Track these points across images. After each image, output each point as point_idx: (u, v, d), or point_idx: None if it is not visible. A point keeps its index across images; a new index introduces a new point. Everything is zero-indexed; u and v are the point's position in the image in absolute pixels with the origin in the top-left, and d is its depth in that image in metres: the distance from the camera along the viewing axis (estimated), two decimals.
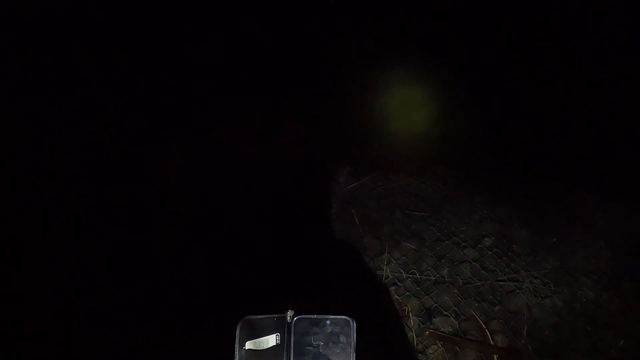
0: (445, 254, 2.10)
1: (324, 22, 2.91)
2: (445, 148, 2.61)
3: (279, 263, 1.94)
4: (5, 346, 1.61)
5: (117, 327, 1.69)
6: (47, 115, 2.26)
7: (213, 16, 2.84)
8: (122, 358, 1.63)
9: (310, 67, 2.86)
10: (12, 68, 2.24)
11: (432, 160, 2.57)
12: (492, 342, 1.79)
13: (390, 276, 2.00)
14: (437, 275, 2.01)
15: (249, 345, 0.69)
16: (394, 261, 2.06)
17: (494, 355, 1.76)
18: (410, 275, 2.01)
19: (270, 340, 0.69)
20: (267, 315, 0.71)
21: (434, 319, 1.86)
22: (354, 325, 0.70)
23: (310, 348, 0.69)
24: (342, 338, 0.70)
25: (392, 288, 1.97)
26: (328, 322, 0.70)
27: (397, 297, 1.93)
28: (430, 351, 1.77)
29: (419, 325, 1.84)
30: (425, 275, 2.01)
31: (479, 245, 2.14)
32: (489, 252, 2.10)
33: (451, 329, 1.84)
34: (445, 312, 1.89)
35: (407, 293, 1.95)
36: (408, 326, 1.84)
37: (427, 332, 1.80)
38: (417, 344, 1.79)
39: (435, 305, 1.91)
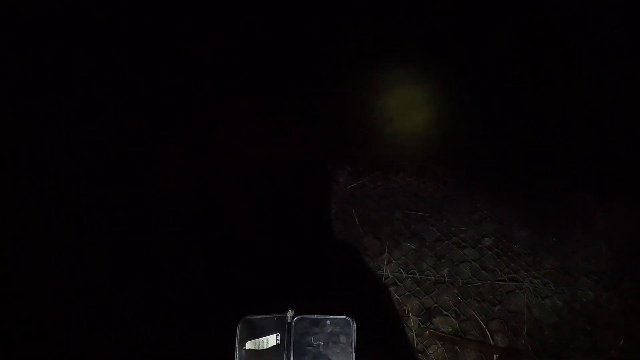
0: (445, 254, 2.10)
1: (324, 22, 2.91)
2: (445, 148, 2.61)
3: (279, 263, 1.94)
4: (5, 346, 1.61)
5: (117, 327, 1.69)
6: (47, 115, 2.25)
7: (213, 16, 2.84)
8: (122, 358, 1.63)
9: (310, 67, 2.86)
10: (12, 68, 2.24)
11: (432, 160, 2.57)
12: (492, 342, 1.79)
13: (390, 276, 2.00)
14: (437, 275, 2.01)
15: (249, 345, 0.69)
16: (394, 261, 2.06)
17: (494, 355, 1.76)
18: (410, 275, 2.01)
19: (271, 340, 0.69)
20: (267, 315, 0.71)
21: (434, 319, 1.86)
22: (354, 325, 0.70)
23: (310, 348, 0.69)
24: (342, 338, 0.70)
25: (392, 288, 1.97)
26: (328, 322, 0.70)
27: (397, 297, 1.93)
28: (430, 351, 1.77)
29: (419, 325, 1.84)
30: (425, 275, 2.01)
31: (479, 245, 2.14)
32: (489, 252, 2.10)
33: (451, 329, 1.84)
34: (445, 312, 1.89)
35: (407, 293, 1.95)
36: (408, 326, 1.84)
37: (427, 332, 1.80)
38: (417, 344, 1.79)
39: (435, 305, 1.91)
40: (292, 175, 2.39)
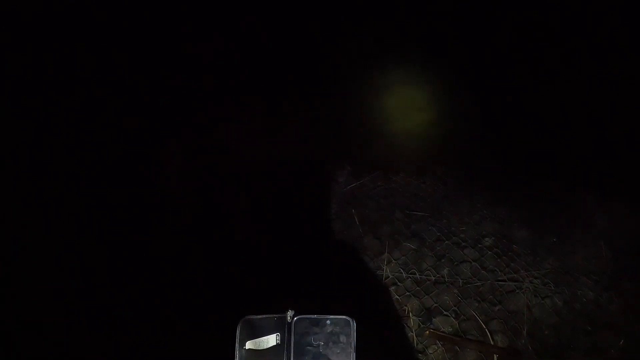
0: (445, 254, 2.10)
1: (324, 22, 2.91)
2: (445, 148, 2.61)
3: (279, 263, 1.94)
4: (5, 346, 1.61)
5: (117, 327, 1.69)
6: (47, 115, 2.25)
7: (213, 16, 2.84)
8: (122, 358, 1.63)
9: (310, 67, 2.86)
10: (12, 68, 2.24)
11: (432, 160, 2.57)
12: (492, 342, 1.79)
13: (390, 276, 2.00)
14: (437, 275, 2.01)
15: (249, 345, 0.69)
16: (394, 261, 2.06)
17: (494, 355, 1.76)
18: (410, 275, 2.01)
19: (271, 340, 0.69)
20: (267, 315, 0.71)
21: (434, 319, 1.86)
22: (354, 325, 0.70)
23: (310, 348, 0.69)
24: (342, 338, 0.70)
25: (392, 288, 1.97)
26: (328, 322, 0.70)
27: (397, 297, 1.93)
28: (430, 351, 1.77)
29: (419, 325, 1.84)
30: (425, 275, 2.01)
31: (479, 245, 2.14)
32: (489, 252, 2.10)
33: (451, 329, 1.84)
34: (445, 312, 1.89)
35: (407, 293, 1.95)
36: (408, 326, 1.84)
37: (427, 332, 1.80)
38: (417, 344, 1.79)
39: (435, 305, 1.91)
40: (292, 175, 2.39)
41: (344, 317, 0.71)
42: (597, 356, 1.77)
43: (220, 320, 0.88)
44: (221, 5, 2.83)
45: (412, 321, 1.85)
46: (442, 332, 1.82)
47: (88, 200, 2.05)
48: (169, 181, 2.28)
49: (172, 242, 1.96)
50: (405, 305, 1.90)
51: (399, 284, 1.98)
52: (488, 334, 1.82)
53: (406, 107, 2.78)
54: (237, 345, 0.69)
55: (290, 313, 0.70)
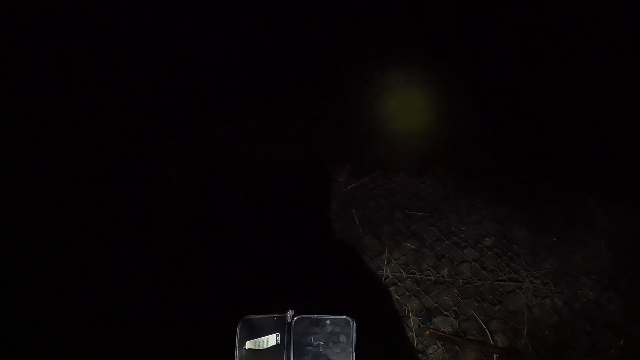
0: (445, 254, 2.10)
1: (324, 22, 2.91)
2: (445, 148, 2.61)
3: (279, 263, 1.94)
4: (5, 346, 1.61)
5: (117, 327, 1.69)
6: (47, 115, 2.26)
7: (213, 16, 2.84)
8: (122, 358, 1.63)
9: (310, 67, 2.86)
10: (12, 68, 2.24)
11: (432, 160, 2.57)
12: (492, 342, 1.79)
13: (390, 276, 2.00)
14: (437, 275, 2.01)
15: (249, 345, 0.69)
16: (394, 261, 2.06)
17: (494, 355, 1.76)
18: (410, 275, 2.01)
19: (270, 340, 0.69)
20: (267, 315, 0.71)
21: (434, 319, 1.86)
22: (354, 325, 0.70)
23: (310, 348, 0.69)
24: (342, 338, 0.70)
25: (392, 288, 1.96)
26: (328, 322, 0.70)
27: (397, 297, 1.93)
28: (430, 351, 1.77)
29: (419, 325, 1.84)
30: (425, 275, 2.01)
31: (479, 245, 2.14)
32: (489, 252, 2.10)
33: (451, 329, 1.84)
34: (445, 312, 1.89)
35: (407, 293, 1.95)
36: (408, 326, 1.84)
37: (427, 332, 1.80)
38: (417, 344, 1.79)
39: (435, 305, 1.91)
40: (292, 175, 2.39)
41: (344, 317, 0.71)
42: (597, 356, 1.77)
43: (220, 320, 0.88)
44: (221, 5, 2.84)
45: (412, 321, 1.85)
46: (442, 332, 1.82)
47: (88, 200, 2.05)
48: (169, 181, 2.28)
49: (172, 242, 1.96)
50: (405, 305, 1.90)
51: (399, 284, 1.98)
52: (488, 334, 1.82)
53: (406, 107, 2.78)
54: (237, 345, 0.69)
55: (290, 313, 0.70)
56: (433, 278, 2.00)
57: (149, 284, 1.80)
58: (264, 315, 0.70)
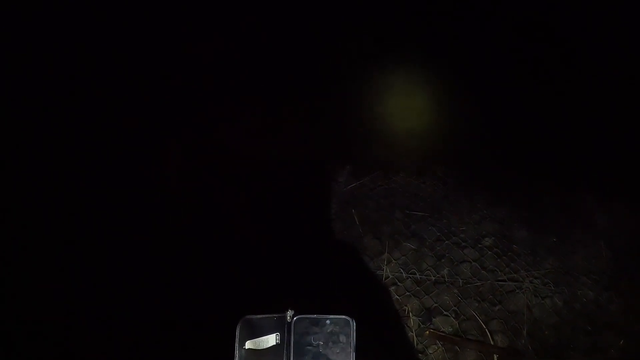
0: (445, 254, 2.10)
1: (324, 22, 2.91)
2: (445, 148, 2.61)
3: (279, 263, 1.94)
4: (5, 346, 1.61)
5: (117, 327, 1.69)
6: (47, 115, 2.25)
7: (213, 16, 2.84)
8: (122, 358, 1.63)
9: (310, 67, 2.86)
10: (12, 68, 2.24)
11: (432, 160, 2.57)
12: (492, 342, 1.79)
13: (390, 276, 2.00)
14: (437, 275, 2.01)
15: (248, 344, 0.69)
16: (394, 261, 2.06)
17: (494, 355, 1.76)
18: (410, 275, 2.01)
19: (270, 339, 0.69)
20: (267, 315, 0.71)
21: (434, 319, 1.86)
22: (354, 325, 0.70)
23: (310, 348, 0.69)
24: (342, 338, 0.70)
25: (392, 288, 1.97)
26: (328, 322, 0.70)
27: (397, 297, 1.93)
28: (430, 351, 1.77)
29: (419, 325, 1.84)
30: (425, 275, 2.01)
31: (479, 245, 2.14)
32: (489, 252, 2.10)
33: (451, 329, 1.84)
34: (445, 312, 1.89)
35: (407, 293, 1.95)
36: (408, 326, 1.84)
37: (427, 332, 1.80)
38: (417, 344, 1.79)
39: (435, 305, 1.91)
40: (292, 175, 2.39)
41: (343, 317, 0.70)
42: (597, 356, 1.77)
43: (220, 320, 0.88)
44: (221, 5, 2.83)
45: (412, 321, 1.85)
46: (442, 332, 1.82)
47: (88, 200, 2.05)
48: (169, 181, 2.28)
49: (172, 242, 1.96)
50: (405, 305, 1.90)
51: (399, 284, 1.98)
52: (488, 334, 1.82)
53: (406, 107, 2.78)
54: (236, 345, 0.68)
55: (290, 313, 0.70)
56: (433, 278, 2.00)
57: (148, 284, 1.80)
58: (263, 315, 0.70)
